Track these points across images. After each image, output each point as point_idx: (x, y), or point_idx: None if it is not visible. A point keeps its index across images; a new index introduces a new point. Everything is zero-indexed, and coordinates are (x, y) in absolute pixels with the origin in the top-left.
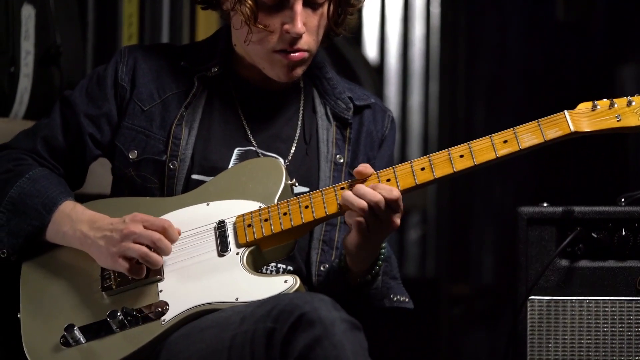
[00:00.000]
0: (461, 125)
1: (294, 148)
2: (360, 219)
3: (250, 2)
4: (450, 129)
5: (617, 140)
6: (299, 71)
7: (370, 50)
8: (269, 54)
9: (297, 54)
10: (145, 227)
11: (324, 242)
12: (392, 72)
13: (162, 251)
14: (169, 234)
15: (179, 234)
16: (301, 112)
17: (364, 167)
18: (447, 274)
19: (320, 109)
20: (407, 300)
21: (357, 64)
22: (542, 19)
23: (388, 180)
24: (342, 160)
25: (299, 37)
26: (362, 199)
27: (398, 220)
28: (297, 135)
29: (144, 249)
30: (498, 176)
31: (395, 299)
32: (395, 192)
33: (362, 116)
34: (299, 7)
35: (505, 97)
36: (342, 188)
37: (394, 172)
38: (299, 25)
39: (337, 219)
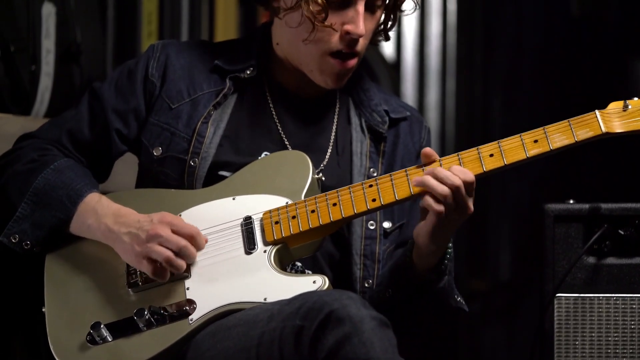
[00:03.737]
0: (478, 122)
1: (326, 160)
2: (440, 207)
3: None
4: (467, 126)
5: None
6: (346, 79)
7: (387, 47)
8: (323, 56)
9: (351, 60)
10: (173, 231)
11: (365, 256)
12: (409, 69)
13: (187, 258)
14: (196, 241)
15: (206, 241)
16: (335, 122)
17: (430, 151)
18: (464, 270)
19: (355, 120)
20: (463, 302)
21: (375, 61)
22: (558, 14)
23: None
24: (375, 174)
25: (358, 38)
26: (444, 184)
27: (472, 206)
28: (330, 146)
29: (169, 253)
30: (514, 172)
31: (458, 299)
32: (470, 175)
33: (398, 128)
34: (361, 7)
35: (522, 94)
36: (371, 185)
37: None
38: (361, 26)
39: (376, 232)
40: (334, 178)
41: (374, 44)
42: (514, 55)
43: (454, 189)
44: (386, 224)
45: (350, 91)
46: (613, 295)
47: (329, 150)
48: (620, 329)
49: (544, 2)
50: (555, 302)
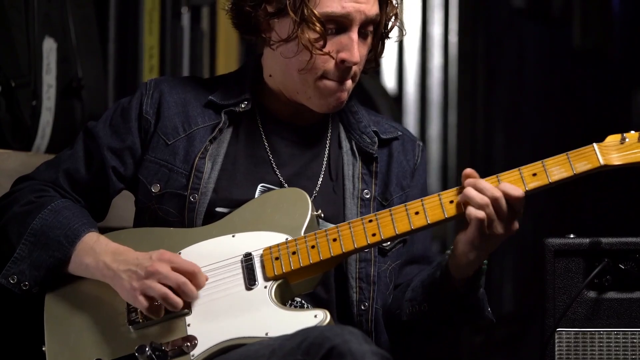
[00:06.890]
0: (480, 155)
1: (319, 185)
2: (482, 215)
3: (319, 26)
4: (469, 159)
5: None
6: (346, 96)
7: (389, 80)
8: (319, 80)
9: (348, 82)
10: (172, 269)
11: (360, 279)
12: (410, 102)
13: (186, 296)
14: (197, 279)
15: (207, 279)
16: (327, 147)
17: (471, 171)
18: None
19: (345, 144)
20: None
21: (376, 94)
22: (559, 47)
23: None
24: (368, 196)
25: (352, 66)
26: (484, 194)
27: (517, 224)
28: (323, 171)
29: (166, 289)
30: None
31: (490, 310)
32: (519, 191)
33: (391, 148)
34: (355, 35)
35: (523, 126)
36: (370, 220)
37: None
38: (356, 54)
39: (370, 253)
40: (329, 204)
41: (364, 72)
42: (516, 88)
43: (494, 200)
44: (385, 242)
45: (340, 115)
46: (614, 329)
47: (321, 176)
48: None
49: (546, 35)
50: (556, 336)
